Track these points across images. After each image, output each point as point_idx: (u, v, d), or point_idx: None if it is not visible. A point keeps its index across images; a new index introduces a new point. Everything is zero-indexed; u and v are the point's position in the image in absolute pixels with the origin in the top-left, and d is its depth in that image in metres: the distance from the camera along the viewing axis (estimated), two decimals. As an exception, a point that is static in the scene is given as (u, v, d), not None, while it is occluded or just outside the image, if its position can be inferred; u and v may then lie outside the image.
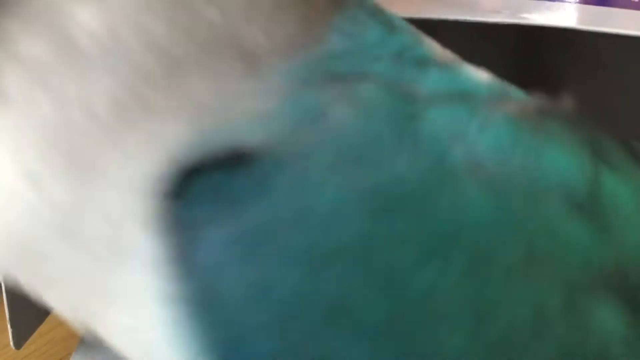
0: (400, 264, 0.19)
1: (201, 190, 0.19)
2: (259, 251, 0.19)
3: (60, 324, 0.51)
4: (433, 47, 0.24)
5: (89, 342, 0.46)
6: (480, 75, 0.24)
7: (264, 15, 0.22)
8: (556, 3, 0.57)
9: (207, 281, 0.19)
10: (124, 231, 0.20)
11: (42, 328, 0.48)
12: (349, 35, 0.23)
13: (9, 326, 0.43)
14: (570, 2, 0.58)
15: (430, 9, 0.51)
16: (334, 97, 0.20)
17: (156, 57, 0.20)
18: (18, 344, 0.43)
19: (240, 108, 0.20)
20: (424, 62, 0.23)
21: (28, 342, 0.45)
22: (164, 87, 0.20)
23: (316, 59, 0.22)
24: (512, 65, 0.55)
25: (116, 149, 0.20)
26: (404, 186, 0.20)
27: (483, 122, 0.21)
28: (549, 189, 0.20)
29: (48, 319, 0.48)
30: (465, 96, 0.22)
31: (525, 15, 0.52)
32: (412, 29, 0.25)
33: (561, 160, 0.21)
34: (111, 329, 0.22)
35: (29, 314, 0.44)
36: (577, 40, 0.53)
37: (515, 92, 0.24)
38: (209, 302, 0.19)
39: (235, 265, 0.19)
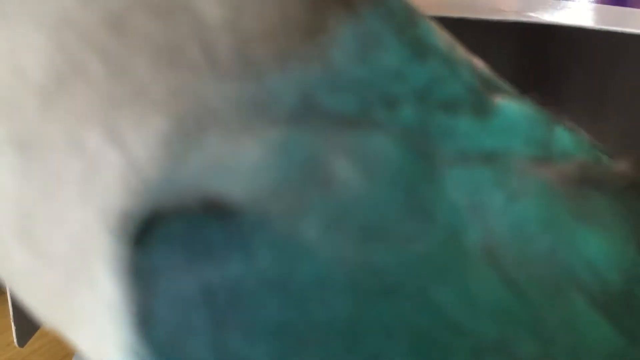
0: (390, 355, 0.16)
1: (166, 238, 0.17)
2: (228, 317, 0.16)
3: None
4: (470, 76, 0.20)
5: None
6: (520, 116, 0.20)
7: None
8: (570, 2, 0.57)
9: (168, 342, 0.17)
10: (88, 261, 0.18)
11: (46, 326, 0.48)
12: (357, 56, 0.19)
13: (12, 324, 0.43)
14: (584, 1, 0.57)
15: (434, 7, 0.50)
16: (335, 149, 0.17)
17: (93, 12, 0.17)
18: (22, 342, 0.43)
19: (214, 138, 0.17)
20: (454, 106, 0.19)
21: (31, 340, 0.45)
22: (106, 58, 0.17)
23: (312, 83, 0.18)
24: (518, 63, 0.55)
25: (63, 132, 0.17)
26: (406, 266, 0.17)
27: (511, 194, 0.18)
28: (578, 281, 0.18)
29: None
30: (497, 156, 0.18)
31: (536, 14, 0.52)
32: (451, 47, 0.21)
33: (598, 248, 0.18)
34: (77, 341, 0.20)
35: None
36: (586, 39, 0.52)
37: (561, 139, 0.20)
38: None
39: (200, 329, 0.16)
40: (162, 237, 0.17)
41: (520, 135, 0.19)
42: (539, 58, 0.55)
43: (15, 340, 0.43)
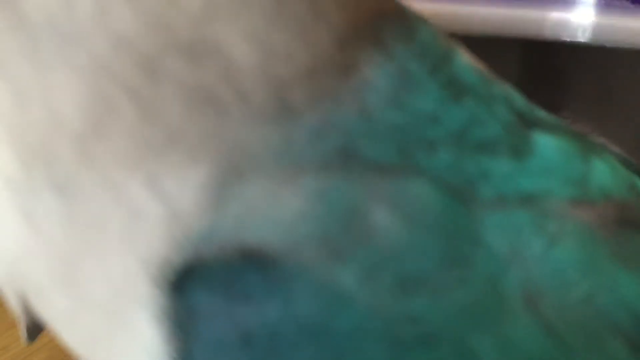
0: None
1: (206, 284, 0.17)
2: None
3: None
4: (506, 111, 0.20)
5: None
6: (557, 152, 0.20)
7: (269, 37, 0.17)
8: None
9: None
10: (127, 306, 0.18)
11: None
12: (392, 100, 0.18)
13: (21, 318, 0.44)
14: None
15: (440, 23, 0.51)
16: (374, 197, 0.17)
17: (125, 56, 0.17)
18: (31, 336, 0.44)
19: (252, 187, 0.17)
20: (491, 147, 0.19)
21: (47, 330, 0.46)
22: (139, 102, 0.17)
23: (348, 129, 0.18)
24: (522, 78, 0.56)
25: (101, 178, 0.17)
26: (445, 314, 0.17)
27: (550, 238, 0.18)
28: (618, 327, 0.18)
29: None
30: (535, 198, 0.18)
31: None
32: (485, 79, 0.20)
33: (636, 289, 0.18)
34: None
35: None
36: (587, 54, 0.53)
37: (599, 174, 0.20)
38: None
39: None
40: (201, 284, 0.17)
41: (558, 175, 0.19)
42: (543, 73, 0.56)
43: (23, 335, 0.44)
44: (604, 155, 0.21)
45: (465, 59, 0.21)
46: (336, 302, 0.16)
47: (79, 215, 0.18)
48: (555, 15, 0.54)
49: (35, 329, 0.45)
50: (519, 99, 0.21)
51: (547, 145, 0.20)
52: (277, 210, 0.17)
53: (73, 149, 0.18)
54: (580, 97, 0.56)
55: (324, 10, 0.18)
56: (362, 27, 0.19)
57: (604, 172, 0.20)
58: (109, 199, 0.18)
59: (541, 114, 0.21)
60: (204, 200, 0.17)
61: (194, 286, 0.17)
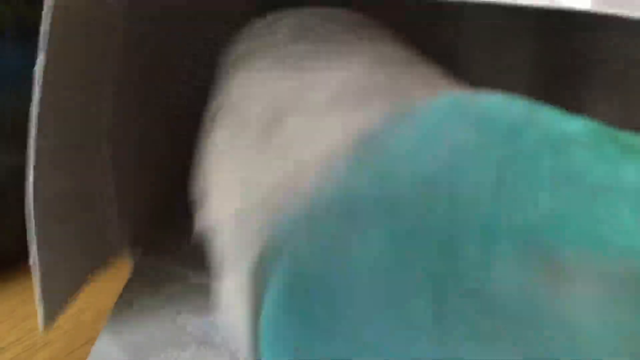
0: None
1: None
2: None
3: (89, 307, 0.50)
4: None
5: (116, 324, 0.45)
6: None
7: None
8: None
9: None
10: None
11: (70, 311, 0.47)
12: None
13: (39, 301, 0.42)
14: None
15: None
16: None
17: None
18: (49, 318, 0.42)
19: None
20: None
21: (56, 325, 0.44)
22: None
23: None
24: (538, 49, 0.55)
25: None
26: None
27: None
28: None
29: (76, 303, 0.47)
30: None
31: None
32: None
33: None
34: None
35: (60, 288, 0.43)
36: (609, 26, 0.53)
37: None
38: None
39: None
40: None
41: None
42: (560, 47, 0.55)
43: (41, 317, 0.42)
44: None
45: None
46: None
47: None
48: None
49: (53, 313, 0.44)
50: None
51: None
52: None
53: None
54: (601, 75, 0.55)
55: None
56: None
57: None
58: None
59: None
60: None
61: None
